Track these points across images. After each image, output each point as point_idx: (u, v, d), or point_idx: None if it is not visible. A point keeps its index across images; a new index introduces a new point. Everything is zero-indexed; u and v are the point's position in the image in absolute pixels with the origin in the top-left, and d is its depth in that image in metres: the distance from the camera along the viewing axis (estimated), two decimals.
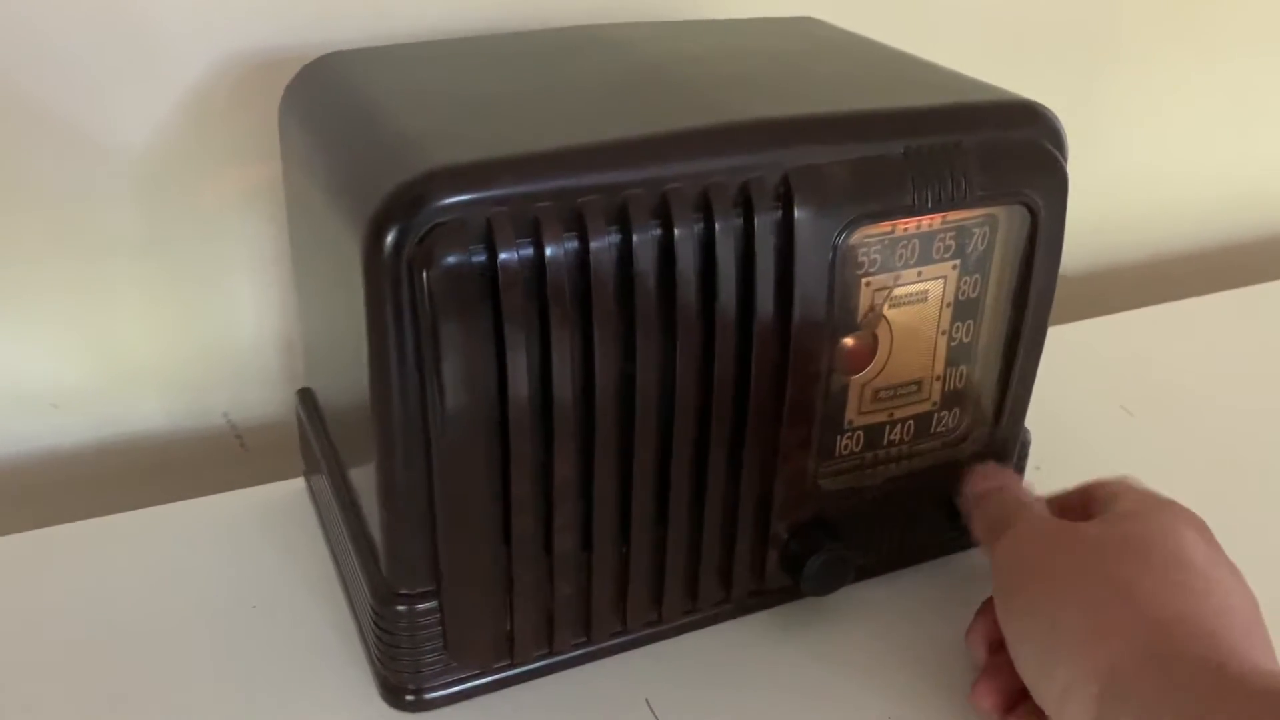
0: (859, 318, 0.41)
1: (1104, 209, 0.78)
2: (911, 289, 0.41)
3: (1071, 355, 0.62)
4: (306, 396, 0.51)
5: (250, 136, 0.54)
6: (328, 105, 0.43)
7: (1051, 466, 0.49)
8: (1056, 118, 0.41)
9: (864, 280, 0.40)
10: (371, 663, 0.43)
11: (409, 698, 0.41)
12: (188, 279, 0.57)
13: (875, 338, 0.42)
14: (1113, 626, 0.35)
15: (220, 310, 0.58)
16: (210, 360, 0.59)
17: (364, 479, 0.41)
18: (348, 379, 0.40)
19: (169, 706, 0.42)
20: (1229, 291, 0.74)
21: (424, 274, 0.33)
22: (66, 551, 0.49)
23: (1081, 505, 0.43)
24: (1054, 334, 0.45)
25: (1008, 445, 0.47)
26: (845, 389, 0.43)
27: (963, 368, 0.44)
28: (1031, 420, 0.47)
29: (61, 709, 0.42)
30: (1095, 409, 0.61)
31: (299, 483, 0.53)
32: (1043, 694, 0.37)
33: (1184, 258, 0.85)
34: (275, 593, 0.47)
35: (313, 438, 0.48)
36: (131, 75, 0.51)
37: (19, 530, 0.50)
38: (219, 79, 0.52)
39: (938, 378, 0.44)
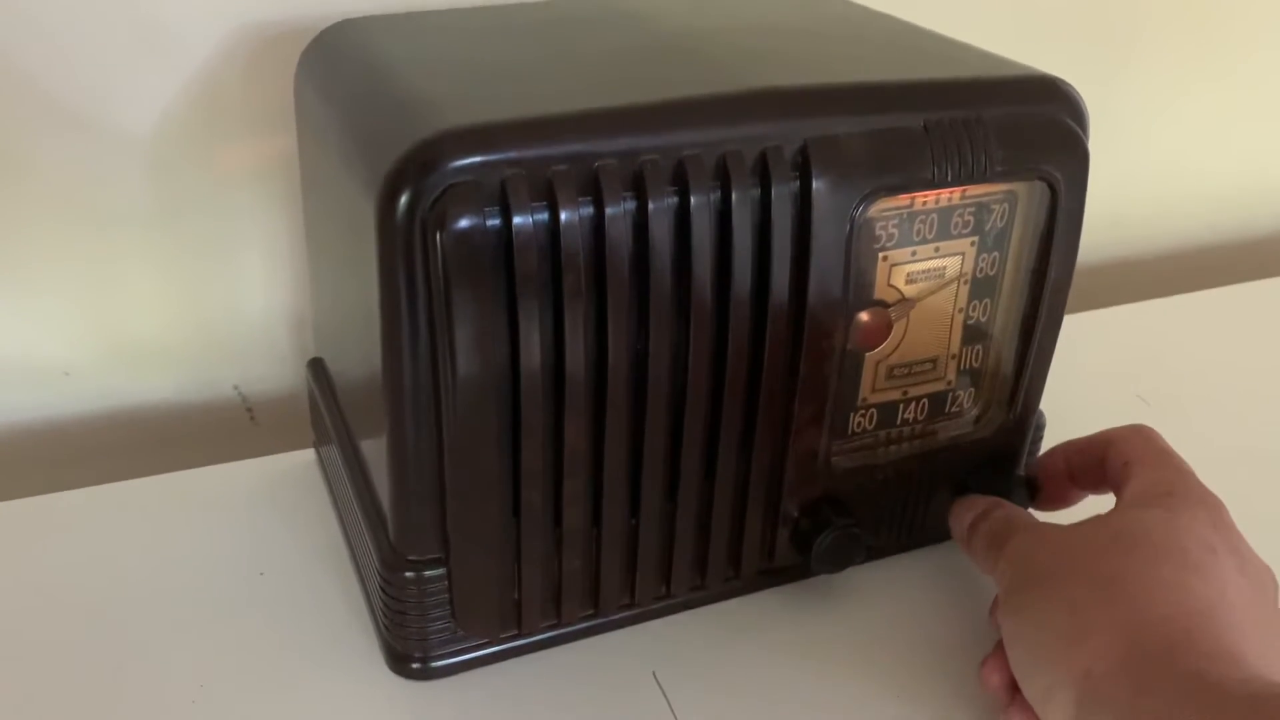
0: (875, 294, 0.41)
1: (1123, 200, 0.77)
2: (929, 265, 0.41)
3: (1088, 344, 0.61)
4: (317, 367, 0.51)
5: (262, 110, 0.54)
6: (343, 71, 0.43)
7: None
8: (1078, 93, 0.40)
9: (881, 255, 0.40)
10: (378, 631, 0.43)
11: (415, 666, 0.41)
12: (199, 253, 0.57)
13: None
14: (1092, 628, 0.35)
15: (231, 284, 0.58)
16: (220, 334, 0.59)
17: (374, 447, 0.40)
18: (359, 347, 0.40)
19: (175, 671, 0.42)
20: (1248, 283, 0.74)
21: (437, 236, 0.33)
22: (76, 517, 0.49)
23: (1096, 463, 0.43)
24: (1071, 322, 0.44)
25: (1022, 428, 0.46)
26: (859, 365, 0.42)
27: (979, 347, 0.44)
28: (1047, 407, 0.47)
29: (69, 672, 0.42)
30: (1111, 398, 0.60)
31: (308, 454, 0.53)
32: (1029, 695, 0.37)
33: (1203, 249, 0.84)
34: (283, 561, 0.47)
35: (323, 408, 0.48)
36: (144, 50, 0.51)
37: (30, 495, 0.50)
38: (231, 53, 0.52)
39: (953, 356, 0.44)
